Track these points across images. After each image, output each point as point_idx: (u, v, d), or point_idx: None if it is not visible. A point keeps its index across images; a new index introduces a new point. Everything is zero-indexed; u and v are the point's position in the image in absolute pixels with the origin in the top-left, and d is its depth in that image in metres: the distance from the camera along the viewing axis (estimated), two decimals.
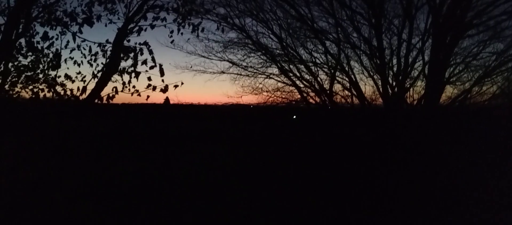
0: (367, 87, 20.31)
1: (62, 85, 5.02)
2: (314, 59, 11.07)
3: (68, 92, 4.96)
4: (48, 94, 4.96)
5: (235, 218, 5.07)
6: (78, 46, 4.99)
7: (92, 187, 6.24)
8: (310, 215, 5.16)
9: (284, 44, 11.02)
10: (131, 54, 4.88)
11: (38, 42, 4.93)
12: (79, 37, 4.91)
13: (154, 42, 14.48)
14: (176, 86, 4.67)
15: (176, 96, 18.40)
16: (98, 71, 4.97)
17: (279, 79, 11.54)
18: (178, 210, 5.27)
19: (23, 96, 4.98)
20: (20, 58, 4.95)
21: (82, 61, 5.03)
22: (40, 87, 4.98)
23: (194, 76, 21.21)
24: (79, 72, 4.99)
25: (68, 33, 4.93)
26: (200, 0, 5.74)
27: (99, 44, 5.01)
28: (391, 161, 7.82)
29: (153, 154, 10.44)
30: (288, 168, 8.24)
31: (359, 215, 5.15)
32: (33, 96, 4.90)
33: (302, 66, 10.99)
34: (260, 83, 11.79)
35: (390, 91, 9.74)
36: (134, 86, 4.82)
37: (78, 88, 4.79)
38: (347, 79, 10.59)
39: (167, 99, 4.72)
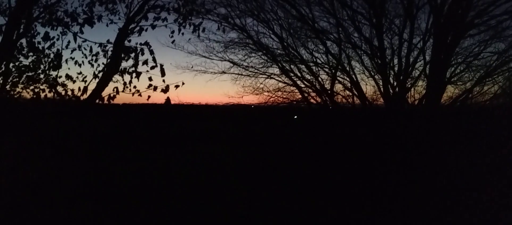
0: (368, 87, 20.36)
1: (63, 85, 5.01)
2: (315, 59, 11.09)
3: (69, 93, 4.95)
4: (49, 95, 4.96)
5: (236, 218, 5.07)
6: (79, 47, 4.98)
7: (93, 187, 6.25)
8: (311, 215, 5.16)
9: (285, 44, 11.03)
10: (132, 55, 4.87)
11: (39, 43, 4.93)
12: (80, 37, 4.91)
13: (155, 42, 14.51)
14: (177, 86, 4.66)
15: (177, 96, 18.48)
16: (99, 72, 4.96)
17: (280, 79, 11.57)
18: (178, 210, 5.27)
19: (24, 97, 4.98)
20: (21, 58, 4.94)
21: (83, 62, 5.02)
22: (41, 87, 4.98)
23: (195, 77, 21.25)
24: (80, 73, 4.98)
25: (69, 33, 4.93)
26: (201, 0, 5.73)
27: (100, 45, 5.00)
28: (392, 161, 7.80)
29: (154, 154, 10.44)
30: (289, 168, 8.24)
31: (359, 215, 5.15)
32: (34, 96, 4.89)
33: (303, 66, 11.00)
34: (261, 83, 11.82)
35: (391, 91, 9.73)
36: (135, 87, 4.81)
37: (79, 88, 4.79)
38: (348, 79, 10.60)
39: (168, 99, 4.71)
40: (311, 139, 11.23)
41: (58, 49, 4.99)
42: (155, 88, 4.62)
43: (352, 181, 6.95)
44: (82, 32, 4.90)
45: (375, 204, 5.58)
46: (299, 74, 11.04)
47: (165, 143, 12.77)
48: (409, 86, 9.90)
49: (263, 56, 11.46)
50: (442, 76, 9.12)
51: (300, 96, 11.35)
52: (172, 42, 6.76)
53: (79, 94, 4.80)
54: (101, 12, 5.04)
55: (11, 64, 4.85)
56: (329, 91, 10.81)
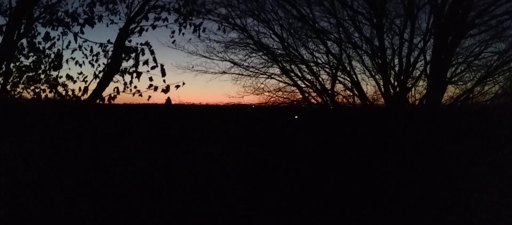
0: (369, 87, 20.22)
1: (64, 85, 5.01)
2: (315, 59, 11.09)
3: (70, 93, 4.95)
4: (50, 95, 4.96)
5: (237, 218, 5.07)
6: (80, 47, 4.98)
7: (93, 187, 6.25)
8: (311, 215, 5.16)
9: (286, 44, 11.03)
10: (133, 55, 4.87)
11: (39, 43, 4.93)
12: (80, 37, 4.91)
13: (156, 43, 14.51)
14: (177, 86, 4.65)
15: (178, 96, 18.47)
16: (100, 72, 4.96)
17: (280, 79, 11.57)
18: (179, 211, 5.27)
19: (25, 97, 4.98)
20: (22, 58, 4.94)
21: (83, 62, 5.02)
22: (42, 87, 4.97)
23: (195, 77, 21.18)
24: (81, 73, 4.98)
25: (69, 33, 4.93)
26: (202, 1, 5.73)
27: (101, 45, 5.01)
28: (392, 161, 7.79)
29: (155, 154, 10.45)
30: (289, 168, 8.24)
31: (360, 215, 5.14)
32: (35, 96, 4.89)
33: (304, 66, 11.00)
34: (262, 83, 11.81)
35: (391, 91, 9.73)
36: (135, 87, 4.81)
37: (80, 88, 4.78)
38: (348, 79, 10.60)
39: (168, 99, 4.71)
40: (311, 139, 11.23)
41: (58, 50, 5.00)
42: (155, 89, 4.62)
43: (353, 181, 6.94)
44: (82, 32, 4.91)
45: (376, 204, 5.57)
46: (299, 74, 11.06)
47: (166, 143, 12.77)
48: (409, 86, 9.90)
49: (263, 56, 11.48)
50: (442, 76, 9.11)
51: (300, 96, 11.37)
52: (173, 42, 6.77)
53: (79, 94, 4.80)
54: (102, 12, 5.05)
55: (12, 65, 4.85)
56: (329, 91, 10.81)
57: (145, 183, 6.94)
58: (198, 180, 7.38)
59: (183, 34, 5.31)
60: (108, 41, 4.98)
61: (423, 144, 8.08)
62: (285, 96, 11.59)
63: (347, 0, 9.94)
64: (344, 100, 10.86)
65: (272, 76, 11.56)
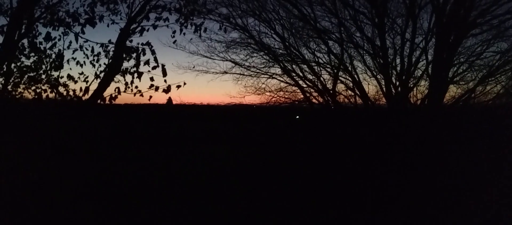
0: (371, 87, 20.34)
1: (65, 86, 5.01)
2: (317, 59, 11.08)
3: (71, 93, 4.95)
4: (51, 95, 4.95)
5: (237, 218, 5.06)
6: (81, 47, 4.98)
7: (94, 187, 6.25)
8: (312, 215, 5.14)
9: (287, 44, 11.02)
10: (134, 55, 4.87)
11: (40, 43, 4.93)
12: (81, 37, 4.90)
13: (157, 43, 14.43)
14: (178, 86, 4.65)
15: (179, 96, 18.42)
16: (101, 72, 4.97)
17: (282, 79, 11.57)
18: (180, 211, 5.26)
19: (26, 97, 4.98)
20: (23, 59, 4.95)
21: (84, 62, 5.02)
22: (43, 88, 4.97)
23: (196, 77, 21.27)
24: (82, 73, 4.99)
25: (70, 33, 4.93)
26: (203, 0, 5.73)
27: (102, 45, 5.00)
28: (394, 161, 7.78)
29: (155, 154, 10.44)
30: (290, 168, 8.22)
31: (361, 215, 5.13)
32: (36, 97, 4.89)
33: (305, 66, 11.00)
34: (263, 83, 11.82)
35: (393, 91, 9.71)
36: (136, 87, 4.81)
37: (81, 88, 4.78)
38: (350, 79, 10.59)
39: (169, 99, 4.70)
40: (313, 139, 11.22)
41: (59, 50, 5.00)
42: (156, 89, 4.61)
43: (354, 180, 6.93)
44: (83, 33, 4.90)
45: (376, 204, 5.56)
46: (301, 74, 11.06)
47: (167, 143, 12.77)
48: (411, 86, 9.89)
49: (265, 56, 11.47)
50: (444, 76, 9.10)
51: (302, 96, 11.37)
52: (174, 42, 6.70)
53: (80, 94, 4.80)
54: (103, 13, 5.05)
55: (13, 65, 4.86)
56: (331, 91, 10.80)
57: (146, 183, 6.94)
58: (198, 180, 7.38)
59: (184, 34, 5.32)
60: (109, 41, 4.99)
61: (424, 143, 8.07)
62: (286, 96, 11.60)
63: (348, 0, 9.92)
64: (346, 100, 10.87)
65: (274, 76, 11.58)
